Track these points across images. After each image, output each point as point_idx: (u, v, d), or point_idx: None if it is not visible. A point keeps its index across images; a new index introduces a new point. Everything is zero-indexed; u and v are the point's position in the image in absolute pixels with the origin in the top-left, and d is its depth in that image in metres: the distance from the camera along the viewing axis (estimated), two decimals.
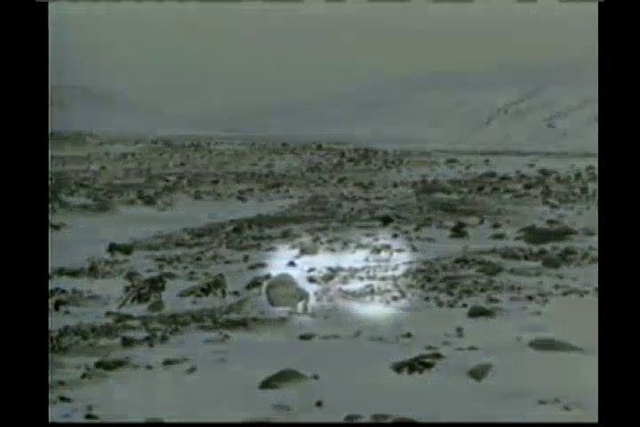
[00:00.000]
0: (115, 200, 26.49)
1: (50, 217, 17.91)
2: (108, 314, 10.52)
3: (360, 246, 16.00)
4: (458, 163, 39.69)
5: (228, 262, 14.93)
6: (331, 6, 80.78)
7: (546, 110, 60.31)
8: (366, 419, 6.10)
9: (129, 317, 10.21)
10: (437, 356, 7.51)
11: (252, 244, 17.15)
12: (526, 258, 14.38)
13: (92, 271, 14.26)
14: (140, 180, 33.83)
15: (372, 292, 11.31)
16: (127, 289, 11.83)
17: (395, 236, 17.43)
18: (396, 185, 30.81)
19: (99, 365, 7.65)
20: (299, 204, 25.56)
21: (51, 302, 10.98)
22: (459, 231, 17.92)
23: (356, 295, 11.14)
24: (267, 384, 6.94)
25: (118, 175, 35.56)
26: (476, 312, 9.63)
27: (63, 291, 11.98)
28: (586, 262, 13.50)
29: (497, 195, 26.84)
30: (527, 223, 18.80)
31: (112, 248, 16.50)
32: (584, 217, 19.86)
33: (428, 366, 7.31)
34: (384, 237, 17.05)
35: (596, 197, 19.66)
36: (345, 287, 11.75)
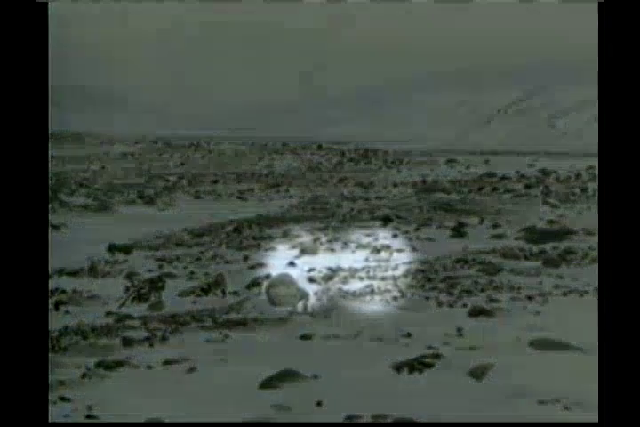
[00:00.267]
0: (115, 200, 26.47)
1: (50, 217, 17.89)
2: (108, 314, 10.52)
3: (360, 246, 16.01)
4: (458, 163, 39.64)
5: (228, 262, 14.93)
6: (331, 6, 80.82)
7: (546, 110, 60.32)
8: (366, 419, 6.10)
9: (129, 317, 10.21)
10: (437, 356, 7.51)
11: (252, 244, 17.15)
12: (526, 258, 14.38)
13: (92, 271, 14.26)
14: (140, 180, 33.80)
15: (372, 292, 11.32)
16: (127, 289, 11.83)
17: (395, 236, 17.43)
18: (395, 185, 30.79)
19: (99, 365, 7.65)
20: (299, 204, 25.53)
21: (51, 302, 10.98)
22: (459, 231, 17.92)
23: (356, 295, 11.15)
24: (267, 384, 6.94)
25: (118, 175, 35.54)
26: (476, 312, 9.63)
27: (63, 291, 11.98)
28: (586, 262, 13.51)
29: (497, 195, 26.83)
30: (527, 223, 18.79)
31: (112, 248, 16.50)
32: (584, 217, 19.85)
33: (428, 366, 7.31)
34: (384, 237, 17.05)
35: (596, 197, 19.64)
36: (345, 287, 11.76)
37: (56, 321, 9.54)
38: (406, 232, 18.06)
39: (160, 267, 14.51)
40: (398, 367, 7.30)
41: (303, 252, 15.35)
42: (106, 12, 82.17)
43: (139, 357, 7.93)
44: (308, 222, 20.24)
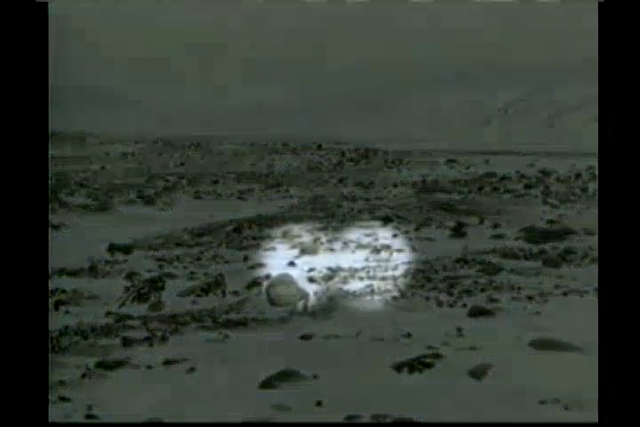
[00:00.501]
0: (115, 200, 26.47)
1: (50, 217, 17.90)
2: (108, 314, 10.52)
3: (360, 246, 16.01)
4: (458, 163, 39.61)
5: (227, 262, 14.93)
6: (331, 6, 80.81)
7: (546, 110, 60.27)
8: (366, 419, 6.10)
9: (129, 317, 10.21)
10: (437, 356, 7.51)
11: (252, 244, 17.16)
12: (526, 258, 14.38)
13: (92, 271, 14.27)
14: (140, 180, 33.80)
15: (372, 292, 11.32)
16: (127, 289, 11.83)
17: (395, 236, 17.44)
18: (395, 185, 30.78)
19: (99, 365, 7.65)
20: (299, 204, 25.53)
21: (51, 302, 10.98)
22: (459, 231, 17.92)
23: (356, 295, 11.15)
24: (267, 384, 6.94)
25: (118, 175, 35.53)
26: (476, 312, 9.63)
27: (63, 291, 11.98)
28: (586, 262, 13.51)
29: (497, 195, 26.82)
30: (527, 223, 18.79)
31: (112, 248, 16.50)
32: (584, 217, 19.85)
33: (428, 366, 7.31)
34: (384, 237, 17.05)
35: (596, 197, 19.64)
36: (345, 287, 11.76)
37: (56, 321, 9.54)
38: (406, 232, 18.06)
39: (160, 267, 14.52)
40: (398, 367, 7.30)
41: (303, 252, 15.35)
42: (106, 12, 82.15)
43: (139, 357, 7.93)
44: (307, 222, 20.24)
